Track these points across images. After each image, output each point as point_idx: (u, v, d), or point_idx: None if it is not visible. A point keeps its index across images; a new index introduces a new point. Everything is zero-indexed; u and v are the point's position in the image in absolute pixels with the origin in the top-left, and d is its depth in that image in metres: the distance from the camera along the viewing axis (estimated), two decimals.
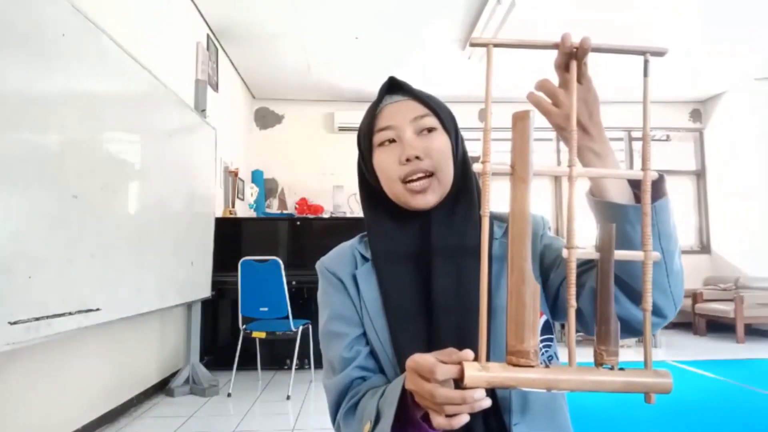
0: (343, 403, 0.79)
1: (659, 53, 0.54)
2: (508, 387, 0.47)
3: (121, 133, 2.43)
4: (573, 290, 0.47)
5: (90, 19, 2.03)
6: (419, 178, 0.78)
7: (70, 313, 1.88)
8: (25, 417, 2.07)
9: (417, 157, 0.78)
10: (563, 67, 0.62)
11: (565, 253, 0.46)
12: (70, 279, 1.92)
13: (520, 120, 0.49)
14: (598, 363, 0.47)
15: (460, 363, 0.52)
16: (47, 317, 1.73)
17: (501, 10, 3.86)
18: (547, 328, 0.77)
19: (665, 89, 5.94)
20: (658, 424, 2.72)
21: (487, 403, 0.54)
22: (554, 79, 0.66)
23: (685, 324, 5.88)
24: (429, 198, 0.79)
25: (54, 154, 1.84)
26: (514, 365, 0.47)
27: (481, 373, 0.47)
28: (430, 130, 0.80)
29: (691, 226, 6.43)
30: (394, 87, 0.83)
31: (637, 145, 6.57)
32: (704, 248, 6.33)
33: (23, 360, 2.04)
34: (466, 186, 0.83)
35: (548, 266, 0.79)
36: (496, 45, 0.51)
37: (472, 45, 0.51)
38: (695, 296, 5.55)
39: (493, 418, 0.75)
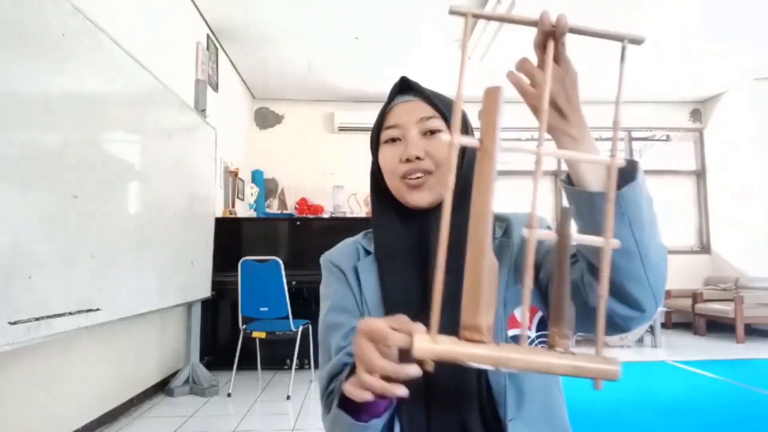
0: (328, 390, 0.78)
1: (637, 41, 0.53)
2: (457, 361, 0.46)
3: (121, 133, 2.43)
4: (531, 271, 0.45)
5: (90, 19, 2.03)
6: (417, 177, 0.80)
7: (70, 313, 1.88)
8: (25, 417, 2.07)
9: (418, 158, 0.79)
10: (541, 47, 0.59)
11: (525, 233, 0.45)
12: (70, 279, 1.92)
13: (489, 95, 0.49)
14: (551, 345, 0.46)
15: (411, 334, 0.50)
16: (47, 317, 1.73)
17: (501, 10, 3.86)
18: (542, 325, 0.78)
19: (665, 89, 5.95)
20: (658, 425, 2.72)
21: (402, 392, 0.53)
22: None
23: (685, 324, 5.89)
24: (425, 195, 0.80)
25: (54, 154, 1.84)
26: (467, 340, 0.46)
27: (431, 345, 0.46)
28: (435, 132, 0.81)
29: (691, 226, 6.44)
30: (405, 87, 0.85)
31: (637, 145, 6.57)
32: (704, 248, 6.33)
33: (23, 360, 2.04)
34: (469, 186, 0.82)
35: (537, 266, 0.78)
36: (475, 15, 0.49)
37: (451, 13, 0.50)
38: (695, 296, 5.55)
39: (489, 412, 0.75)
